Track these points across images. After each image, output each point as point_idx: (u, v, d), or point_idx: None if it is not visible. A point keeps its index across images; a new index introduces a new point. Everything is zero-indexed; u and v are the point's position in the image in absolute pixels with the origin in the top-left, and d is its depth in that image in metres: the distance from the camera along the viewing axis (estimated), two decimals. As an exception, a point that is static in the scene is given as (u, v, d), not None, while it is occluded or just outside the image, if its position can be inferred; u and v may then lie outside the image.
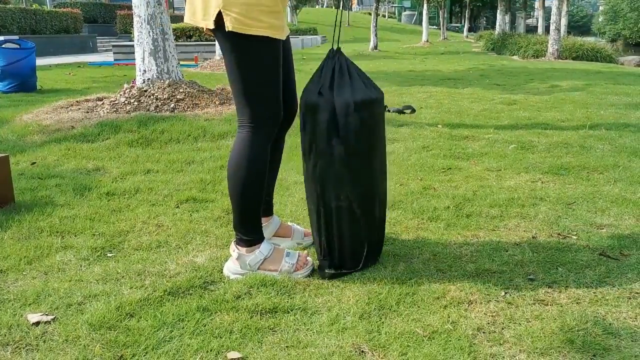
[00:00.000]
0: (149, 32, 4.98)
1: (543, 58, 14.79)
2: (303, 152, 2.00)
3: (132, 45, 5.73)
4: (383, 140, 2.02)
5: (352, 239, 2.01)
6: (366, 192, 1.99)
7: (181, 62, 5.30)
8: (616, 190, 2.92)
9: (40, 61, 8.68)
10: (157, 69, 5.04)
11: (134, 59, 5.22)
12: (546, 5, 24.91)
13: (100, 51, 20.32)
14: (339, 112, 1.88)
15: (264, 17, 1.81)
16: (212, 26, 1.84)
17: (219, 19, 1.81)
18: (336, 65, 1.94)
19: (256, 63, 1.86)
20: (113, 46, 15.75)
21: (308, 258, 2.07)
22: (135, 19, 5.06)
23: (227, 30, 1.80)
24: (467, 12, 37.61)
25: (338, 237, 2.00)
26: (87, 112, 4.68)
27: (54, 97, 6.51)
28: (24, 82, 7.27)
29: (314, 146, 1.94)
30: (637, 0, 37.66)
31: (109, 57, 15.69)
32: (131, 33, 19.08)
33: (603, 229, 2.42)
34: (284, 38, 1.91)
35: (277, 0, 1.84)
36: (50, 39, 18.31)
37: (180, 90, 4.96)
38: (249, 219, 2.00)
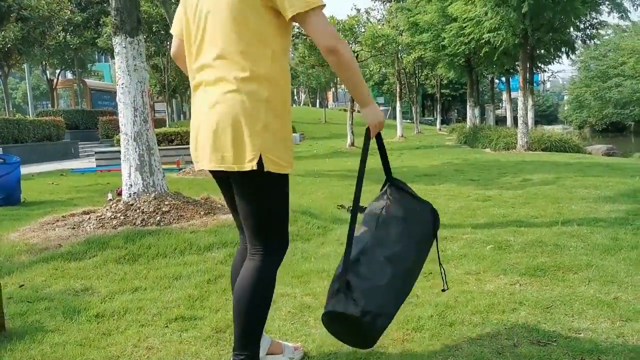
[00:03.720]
0: (135, 148, 5.18)
1: (514, 150, 15.37)
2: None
3: (115, 151, 5.92)
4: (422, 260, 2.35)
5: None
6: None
7: (164, 167, 5.44)
8: (591, 292, 3.04)
9: (23, 169, 8.75)
10: (143, 183, 5.19)
11: (117, 165, 5.36)
12: (513, 97, 26.08)
13: (81, 156, 20.60)
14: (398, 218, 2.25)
15: (288, 156, 2.03)
16: (255, 167, 1.93)
17: (259, 162, 1.96)
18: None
19: (282, 198, 2.07)
20: (95, 152, 16.03)
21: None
22: (122, 136, 5.27)
23: (265, 170, 1.95)
24: (438, 105, 39.17)
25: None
26: (74, 229, 4.75)
27: (38, 209, 6.59)
28: (9, 196, 7.35)
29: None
30: (600, 90, 39.59)
31: (91, 162, 15.91)
32: (113, 137, 19.45)
33: (581, 333, 2.52)
34: None
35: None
36: (33, 147, 18.58)
37: (166, 203, 5.08)
38: (255, 335, 2.09)
